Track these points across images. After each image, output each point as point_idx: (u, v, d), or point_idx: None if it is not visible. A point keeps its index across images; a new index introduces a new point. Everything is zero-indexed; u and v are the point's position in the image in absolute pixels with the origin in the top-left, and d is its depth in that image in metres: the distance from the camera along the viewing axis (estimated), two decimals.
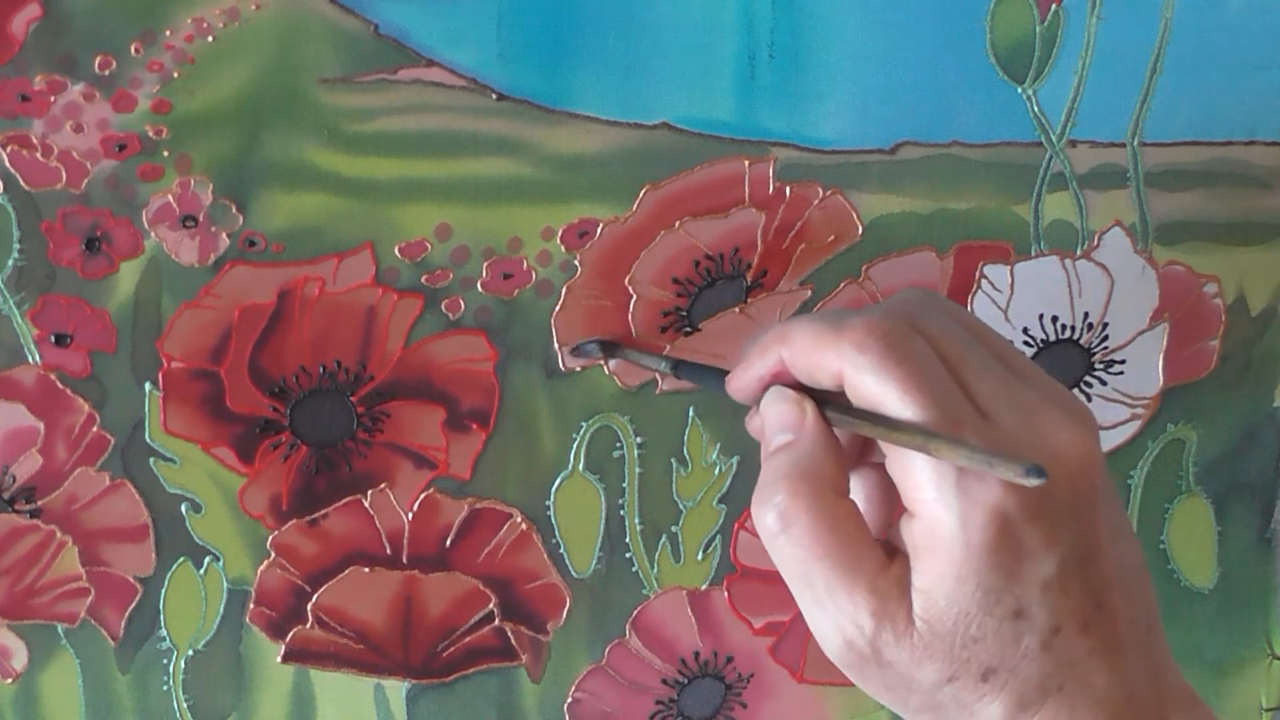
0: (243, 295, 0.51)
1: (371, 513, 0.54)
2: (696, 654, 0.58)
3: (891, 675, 0.41)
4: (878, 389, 0.40)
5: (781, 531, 0.41)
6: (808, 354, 0.42)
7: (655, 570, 0.57)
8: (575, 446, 0.55)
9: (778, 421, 0.43)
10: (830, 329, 0.41)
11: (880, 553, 0.41)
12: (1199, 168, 0.56)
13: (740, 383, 0.45)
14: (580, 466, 0.55)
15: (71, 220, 0.49)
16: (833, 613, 0.41)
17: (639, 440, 0.55)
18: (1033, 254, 0.56)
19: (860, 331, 0.41)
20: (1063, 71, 0.53)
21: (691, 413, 0.55)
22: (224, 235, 0.50)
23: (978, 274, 0.55)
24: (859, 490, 0.45)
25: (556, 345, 0.53)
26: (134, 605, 0.54)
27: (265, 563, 0.54)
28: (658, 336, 0.54)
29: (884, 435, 0.40)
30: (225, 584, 0.54)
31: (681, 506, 0.56)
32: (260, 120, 0.49)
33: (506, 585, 0.56)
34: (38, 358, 0.50)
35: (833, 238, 0.54)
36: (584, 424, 0.55)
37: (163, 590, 0.54)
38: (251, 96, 0.49)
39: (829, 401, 0.43)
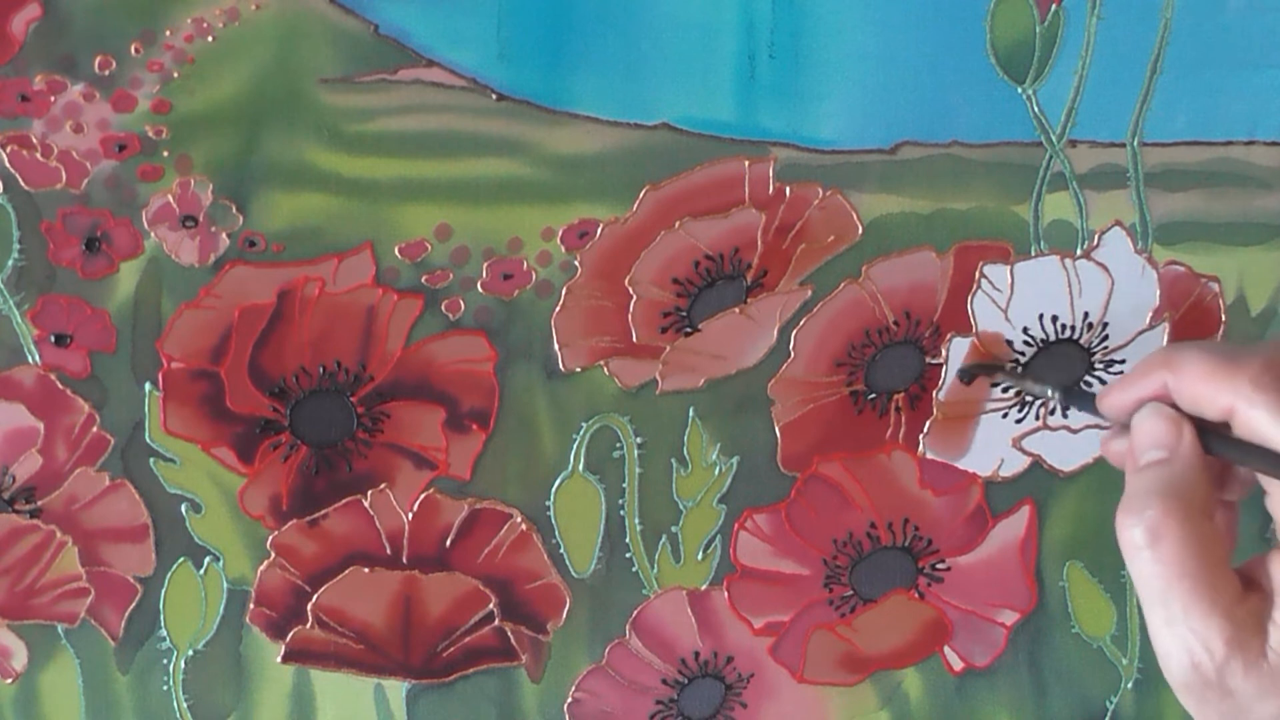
0: (243, 295, 0.51)
1: (371, 513, 0.54)
2: (696, 654, 0.58)
3: (1230, 705, 0.41)
4: (1273, 428, 0.41)
5: (1148, 547, 0.41)
6: (1196, 383, 0.43)
7: (655, 570, 0.57)
8: (575, 447, 0.55)
9: (1152, 438, 0.44)
10: (1225, 362, 0.42)
11: (1238, 582, 0.42)
12: (1199, 168, 0.56)
13: (1115, 400, 0.46)
14: (580, 467, 0.55)
15: (71, 220, 0.49)
16: (1184, 633, 0.41)
17: (639, 440, 0.55)
18: (1033, 254, 0.56)
19: (1258, 369, 0.42)
20: (1063, 71, 0.53)
21: (691, 413, 0.55)
22: (224, 235, 0.50)
23: (978, 274, 0.55)
24: None
25: (556, 346, 0.53)
26: (134, 605, 0.54)
27: (265, 563, 0.54)
28: (658, 337, 0.54)
29: (1273, 473, 0.41)
30: (225, 584, 0.54)
31: (681, 506, 0.56)
32: (260, 120, 0.49)
33: (506, 585, 0.56)
34: (38, 358, 0.50)
35: (833, 238, 0.54)
36: (584, 424, 0.55)
37: (163, 590, 0.54)
38: (251, 96, 0.49)
39: (1205, 429, 0.43)
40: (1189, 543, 0.41)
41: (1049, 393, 0.52)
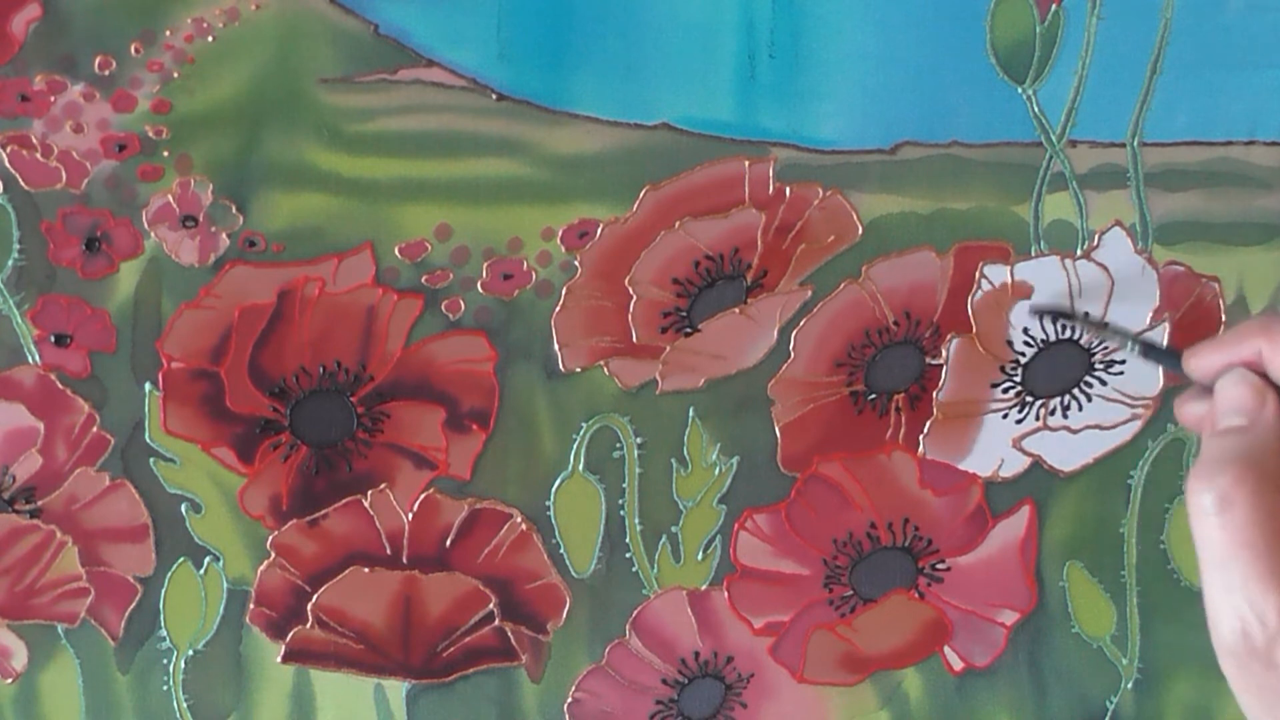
0: (243, 295, 0.51)
1: (371, 513, 0.54)
2: (696, 654, 0.58)
3: (1272, 679, 0.41)
4: None
5: (1216, 514, 0.42)
6: None
7: (655, 570, 0.57)
8: (575, 447, 0.55)
9: (1235, 404, 0.44)
10: None
11: None
12: (1199, 168, 0.56)
13: (1204, 361, 0.46)
14: (580, 467, 0.55)
15: (71, 220, 0.49)
16: (1239, 602, 0.41)
17: (639, 440, 0.55)
18: (1033, 254, 0.56)
19: None
20: (1063, 71, 0.53)
21: (691, 413, 0.55)
22: (224, 235, 0.50)
23: (978, 274, 0.55)
24: None
25: (556, 346, 0.53)
26: (134, 605, 0.54)
27: (265, 563, 0.54)
28: (658, 337, 0.54)
29: None
30: (225, 584, 0.54)
31: (681, 506, 0.56)
32: (260, 120, 0.49)
33: (506, 585, 0.56)
34: (38, 358, 0.50)
35: (833, 238, 0.54)
36: (584, 424, 0.55)
37: (163, 590, 0.54)
38: (251, 96, 0.49)
39: None
40: (1258, 514, 0.41)
41: (1129, 344, 0.52)
